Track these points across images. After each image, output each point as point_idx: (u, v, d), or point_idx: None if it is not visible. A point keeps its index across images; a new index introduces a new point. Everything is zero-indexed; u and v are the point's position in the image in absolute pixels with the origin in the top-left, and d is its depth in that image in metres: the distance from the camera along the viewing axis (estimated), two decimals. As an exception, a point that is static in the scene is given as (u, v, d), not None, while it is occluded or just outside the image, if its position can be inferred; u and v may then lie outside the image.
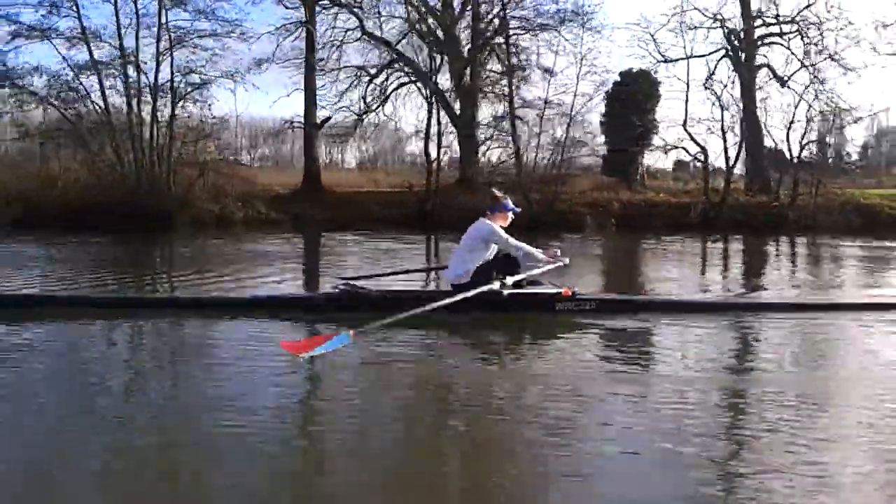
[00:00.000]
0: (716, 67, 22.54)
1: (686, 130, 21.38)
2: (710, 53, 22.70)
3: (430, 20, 24.66)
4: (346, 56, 25.59)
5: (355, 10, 24.76)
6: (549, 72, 21.60)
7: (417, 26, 24.77)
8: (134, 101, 18.30)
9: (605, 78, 23.42)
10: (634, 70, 25.09)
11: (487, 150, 23.20)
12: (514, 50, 22.69)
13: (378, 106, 25.52)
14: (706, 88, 22.08)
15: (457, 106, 24.48)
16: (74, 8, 18.12)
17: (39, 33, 18.17)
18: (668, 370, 4.95)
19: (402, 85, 25.56)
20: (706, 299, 8.17)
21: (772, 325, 6.41)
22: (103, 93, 18.11)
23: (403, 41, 25.25)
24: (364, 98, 25.79)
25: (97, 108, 18.47)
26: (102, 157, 18.75)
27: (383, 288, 6.90)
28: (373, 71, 25.58)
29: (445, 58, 24.22)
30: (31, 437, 3.55)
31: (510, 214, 6.69)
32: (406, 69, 25.55)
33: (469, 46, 24.21)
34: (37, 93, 18.50)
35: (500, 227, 6.57)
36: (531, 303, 6.50)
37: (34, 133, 19.25)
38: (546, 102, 21.30)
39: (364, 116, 25.74)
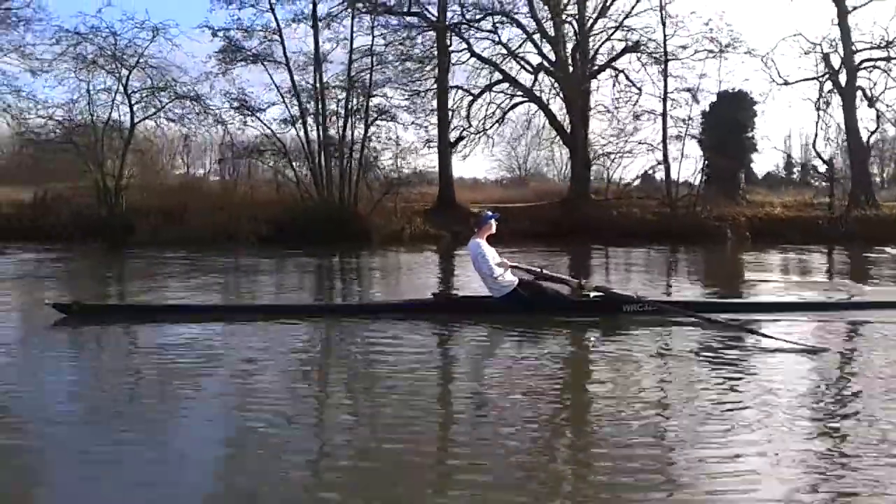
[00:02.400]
0: (821, 89, 24.29)
1: (815, 149, 23.05)
2: (818, 77, 24.36)
3: (539, 40, 25.86)
4: (454, 78, 26.97)
5: (463, 34, 26.03)
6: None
7: (523, 47, 26.23)
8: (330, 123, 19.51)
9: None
10: (732, 90, 26.74)
11: (618, 167, 24.53)
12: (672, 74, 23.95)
13: (494, 124, 26.93)
14: (817, 109, 23.82)
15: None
16: (278, 34, 19.33)
17: (253, 57, 19.32)
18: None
19: (516, 105, 26.97)
20: (752, 300, 9.12)
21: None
22: (303, 115, 19.26)
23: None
24: (468, 117, 27.15)
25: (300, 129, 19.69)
26: (288, 174, 19.93)
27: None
28: (475, 91, 26.97)
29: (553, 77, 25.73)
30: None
31: (493, 222, 7.55)
32: (510, 90, 26.91)
33: (579, 68, 25.62)
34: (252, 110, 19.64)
35: (488, 236, 7.48)
36: (603, 305, 7.34)
37: (239, 155, 20.33)
38: (695, 120, 23.03)
39: (473, 134, 27.07)
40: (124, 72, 20.50)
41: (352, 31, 20.09)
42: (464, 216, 23.46)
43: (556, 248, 18.58)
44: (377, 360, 5.79)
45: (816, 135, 23.56)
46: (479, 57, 26.15)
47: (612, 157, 24.92)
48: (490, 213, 7.74)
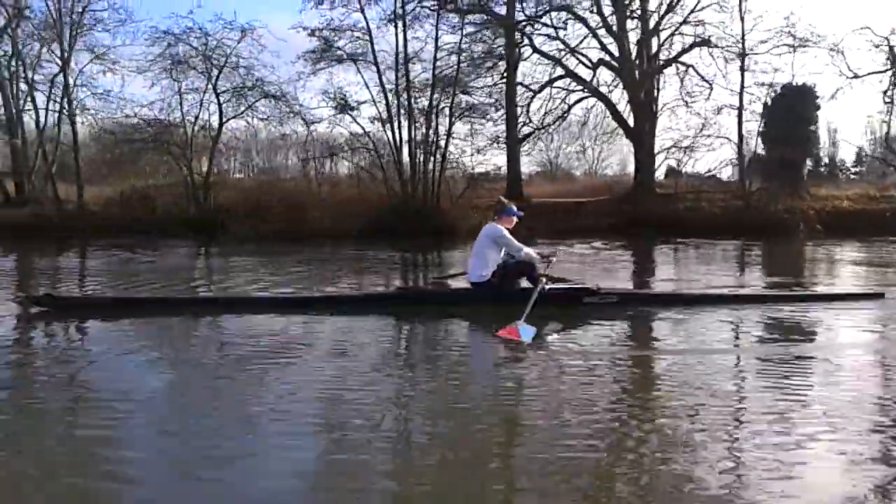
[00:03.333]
0: (892, 82, 24.36)
1: (887, 142, 23.11)
2: (887, 69, 24.41)
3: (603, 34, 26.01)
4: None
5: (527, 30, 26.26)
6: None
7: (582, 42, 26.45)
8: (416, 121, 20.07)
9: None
10: (796, 84, 26.78)
11: (688, 160, 24.75)
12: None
13: (557, 119, 27.21)
14: (886, 102, 23.91)
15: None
16: (367, 34, 19.95)
17: (347, 56, 19.92)
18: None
19: (580, 100, 27.21)
20: (706, 292, 9.01)
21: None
22: (390, 112, 19.82)
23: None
24: (527, 113, 27.38)
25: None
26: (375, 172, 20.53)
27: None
28: (535, 87, 27.18)
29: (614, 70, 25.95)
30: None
31: (514, 218, 7.71)
32: (571, 85, 27.13)
33: (644, 64, 25.77)
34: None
35: (507, 229, 7.59)
36: (564, 297, 7.49)
37: (332, 152, 21.03)
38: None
39: (536, 129, 27.32)
40: (214, 71, 21.20)
41: (437, 31, 20.64)
42: (532, 212, 23.90)
43: (624, 241, 18.87)
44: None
45: (889, 128, 23.61)
46: (542, 53, 26.41)
47: (687, 150, 25.08)
48: (515, 207, 7.82)
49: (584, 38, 26.52)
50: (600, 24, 25.71)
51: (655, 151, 25.92)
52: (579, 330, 6.71)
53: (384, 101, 20.21)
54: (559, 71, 26.78)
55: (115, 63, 22.41)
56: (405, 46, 20.29)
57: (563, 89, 27.48)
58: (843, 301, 8.20)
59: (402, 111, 20.26)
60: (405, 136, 20.44)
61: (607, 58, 26.06)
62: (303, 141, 21.84)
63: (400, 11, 20.07)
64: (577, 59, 26.89)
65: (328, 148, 21.69)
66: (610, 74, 26.72)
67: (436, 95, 20.29)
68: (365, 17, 20.30)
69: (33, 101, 22.49)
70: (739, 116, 23.54)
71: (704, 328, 6.78)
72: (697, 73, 24.63)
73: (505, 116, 24.51)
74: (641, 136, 25.59)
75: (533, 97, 27.14)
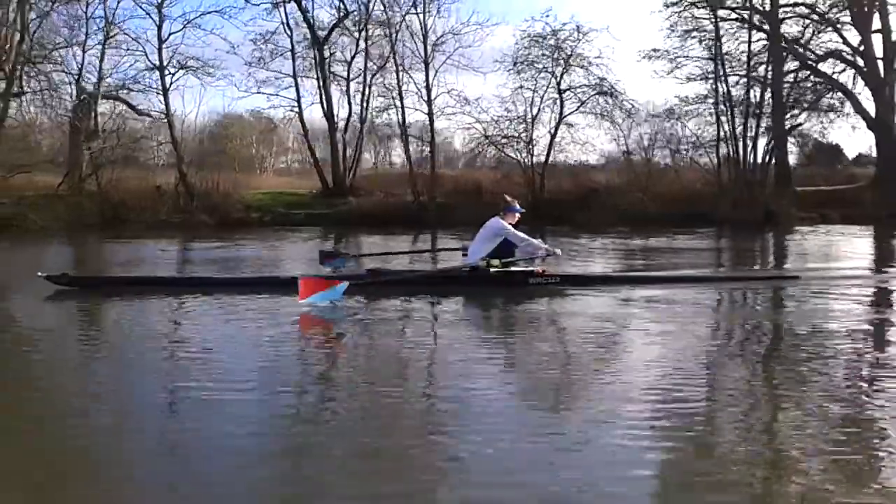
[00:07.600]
0: None
1: None
2: None
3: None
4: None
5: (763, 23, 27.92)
6: None
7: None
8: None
9: None
10: None
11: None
12: None
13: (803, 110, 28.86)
14: None
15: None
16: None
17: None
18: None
19: (823, 94, 28.75)
20: (639, 274, 10.00)
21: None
22: (731, 106, 22.18)
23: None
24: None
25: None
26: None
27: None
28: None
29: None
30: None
31: (517, 214, 8.49)
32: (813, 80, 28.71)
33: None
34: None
35: (510, 223, 8.36)
36: (510, 278, 8.24)
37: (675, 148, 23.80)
38: None
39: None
40: (558, 70, 23.62)
41: (748, 30, 22.62)
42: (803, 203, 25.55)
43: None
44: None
45: None
46: (785, 48, 28.01)
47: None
48: (518, 205, 8.64)
49: (814, 33, 28.18)
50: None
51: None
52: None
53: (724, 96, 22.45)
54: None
55: (463, 66, 24.27)
56: (749, 41, 22.49)
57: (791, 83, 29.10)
58: (761, 282, 8.68)
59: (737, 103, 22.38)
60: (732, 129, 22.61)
61: (842, 48, 27.62)
62: (626, 134, 24.27)
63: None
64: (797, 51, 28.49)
65: (673, 140, 24.09)
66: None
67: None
68: (715, 17, 22.52)
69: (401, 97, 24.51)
70: None
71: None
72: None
73: (771, 108, 26.35)
74: (885, 126, 26.98)
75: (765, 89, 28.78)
